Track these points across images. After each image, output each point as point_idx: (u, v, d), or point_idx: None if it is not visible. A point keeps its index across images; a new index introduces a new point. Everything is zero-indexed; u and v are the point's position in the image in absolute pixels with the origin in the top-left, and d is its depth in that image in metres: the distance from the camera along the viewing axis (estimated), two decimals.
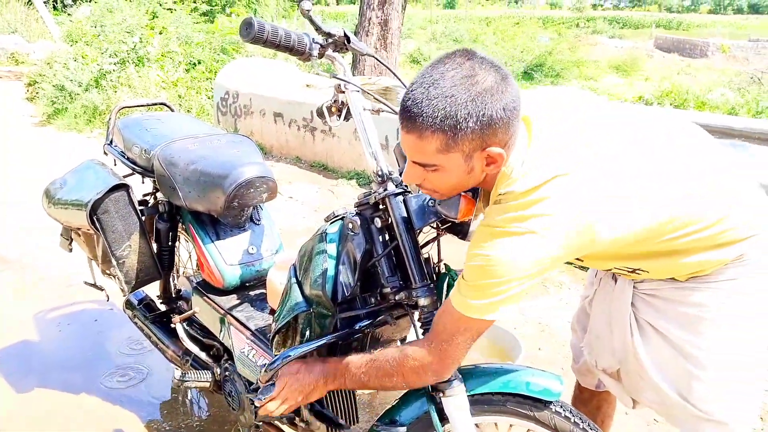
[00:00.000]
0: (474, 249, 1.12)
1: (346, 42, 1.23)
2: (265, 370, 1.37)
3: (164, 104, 2.40)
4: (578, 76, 13.49)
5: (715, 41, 17.61)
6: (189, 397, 2.40)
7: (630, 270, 1.26)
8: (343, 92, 1.26)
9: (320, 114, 1.40)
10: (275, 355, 1.43)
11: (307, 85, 6.09)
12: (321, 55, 1.24)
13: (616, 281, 1.37)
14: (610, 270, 1.33)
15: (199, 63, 8.13)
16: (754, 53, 15.00)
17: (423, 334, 1.31)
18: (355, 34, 7.89)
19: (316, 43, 1.23)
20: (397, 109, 1.28)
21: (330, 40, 1.23)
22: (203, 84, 7.68)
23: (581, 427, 1.29)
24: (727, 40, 18.16)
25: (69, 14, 11.28)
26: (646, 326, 1.30)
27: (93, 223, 1.86)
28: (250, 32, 1.16)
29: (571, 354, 1.71)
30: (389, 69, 1.33)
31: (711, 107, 8.03)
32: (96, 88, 7.42)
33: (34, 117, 7.72)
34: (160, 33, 8.41)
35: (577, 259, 1.22)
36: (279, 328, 1.43)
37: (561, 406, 1.30)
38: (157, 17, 9.30)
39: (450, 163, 1.09)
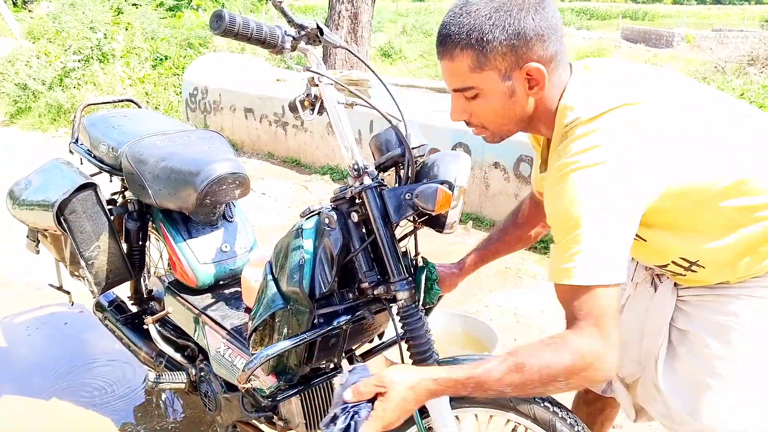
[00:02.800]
0: (549, 206, 1.03)
1: (319, 34, 1.20)
2: (243, 370, 1.35)
3: (131, 101, 2.35)
4: None
5: (680, 31, 17.92)
6: (163, 399, 2.36)
7: (688, 264, 1.16)
8: (317, 85, 1.24)
9: (293, 108, 1.37)
10: (253, 354, 1.41)
11: (278, 80, 6.03)
12: (293, 48, 1.21)
13: (656, 289, 1.31)
14: (665, 265, 1.21)
15: (166, 59, 7.99)
16: (717, 43, 15.28)
17: (402, 328, 1.30)
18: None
19: (288, 35, 1.20)
20: (372, 102, 1.27)
21: (302, 33, 1.21)
22: (171, 80, 7.55)
23: (560, 416, 1.29)
24: (692, 30, 18.50)
25: (29, 10, 10.96)
26: (675, 333, 1.25)
27: (60, 223, 1.82)
28: (221, 25, 1.13)
29: None
30: (362, 60, 1.31)
31: None
32: (60, 86, 7.24)
33: None
34: (126, 29, 8.23)
35: (641, 239, 1.14)
36: (256, 326, 1.41)
37: (540, 396, 1.30)
38: (122, 13, 9.11)
39: (487, 83, 1.06)
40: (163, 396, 2.38)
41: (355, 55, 1.23)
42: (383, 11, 18.41)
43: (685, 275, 1.21)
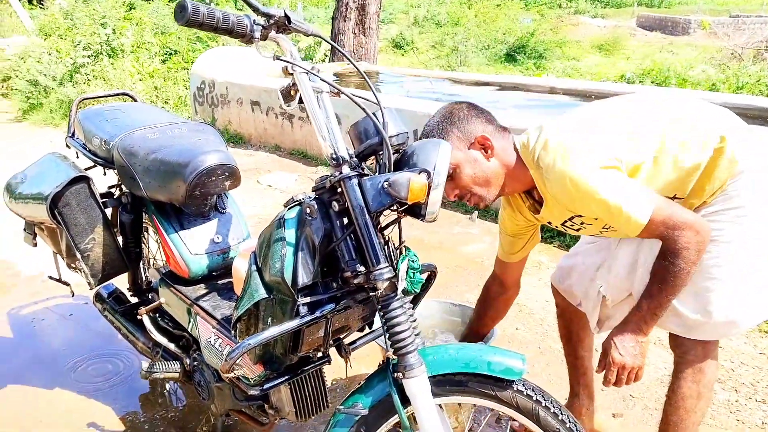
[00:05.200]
0: (577, 201, 1.41)
1: (287, 23, 1.19)
2: (226, 359, 1.35)
3: (127, 94, 2.36)
4: (561, 56, 13.45)
5: (697, 18, 17.59)
6: (167, 388, 2.39)
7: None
8: (291, 74, 1.23)
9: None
10: (237, 343, 1.41)
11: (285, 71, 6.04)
12: (264, 37, 1.20)
13: None
14: None
15: (176, 53, 8.03)
16: (735, 29, 14.97)
17: (382, 317, 1.30)
18: (333, 19, 7.81)
19: (258, 24, 1.20)
20: (346, 90, 1.27)
21: (271, 22, 1.20)
22: (180, 74, 7.59)
23: (544, 405, 1.28)
24: (709, 16, 18.14)
25: (43, 8, 11.06)
26: None
27: (54, 216, 1.84)
28: (185, 15, 1.12)
29: (559, 277, 2.00)
30: (334, 46, 1.30)
31: (692, 84, 8.04)
32: (71, 81, 7.32)
33: (9, 113, 7.60)
34: (137, 24, 8.28)
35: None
36: (239, 315, 1.42)
37: (523, 385, 1.29)
38: (134, 8, 9.17)
39: (456, 159, 1.47)
40: (167, 386, 2.40)
41: (326, 40, 1.22)
42: (394, 2, 18.29)
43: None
